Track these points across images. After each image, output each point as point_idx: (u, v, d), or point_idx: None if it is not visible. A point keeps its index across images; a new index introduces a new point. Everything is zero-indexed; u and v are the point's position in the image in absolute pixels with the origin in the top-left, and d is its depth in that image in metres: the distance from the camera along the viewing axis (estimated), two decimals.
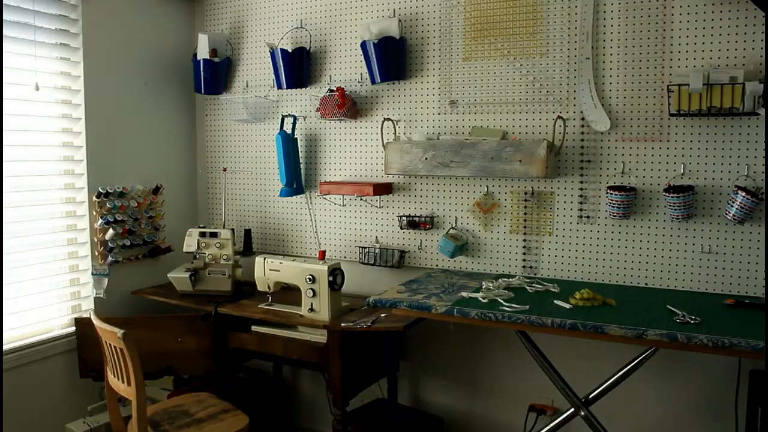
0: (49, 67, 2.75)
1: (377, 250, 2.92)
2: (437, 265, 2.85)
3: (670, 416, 2.47)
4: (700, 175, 2.35)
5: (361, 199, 2.99)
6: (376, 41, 2.74)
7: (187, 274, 2.89)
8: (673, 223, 2.40)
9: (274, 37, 3.17)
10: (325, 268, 2.52)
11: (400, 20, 2.79)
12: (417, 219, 2.85)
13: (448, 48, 2.75)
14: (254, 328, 2.71)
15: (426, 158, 2.64)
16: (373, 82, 2.82)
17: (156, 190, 3.17)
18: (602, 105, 2.47)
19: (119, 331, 2.11)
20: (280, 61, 3.00)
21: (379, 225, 2.97)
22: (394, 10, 2.84)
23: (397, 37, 2.75)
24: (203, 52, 3.18)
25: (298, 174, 3.09)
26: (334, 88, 2.90)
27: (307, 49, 3.04)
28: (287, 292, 2.78)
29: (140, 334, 2.64)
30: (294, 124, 3.07)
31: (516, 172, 2.50)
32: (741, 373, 2.27)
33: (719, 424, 2.35)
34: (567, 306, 2.16)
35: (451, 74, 2.76)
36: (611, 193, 2.42)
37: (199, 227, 3.02)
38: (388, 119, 2.86)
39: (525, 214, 2.66)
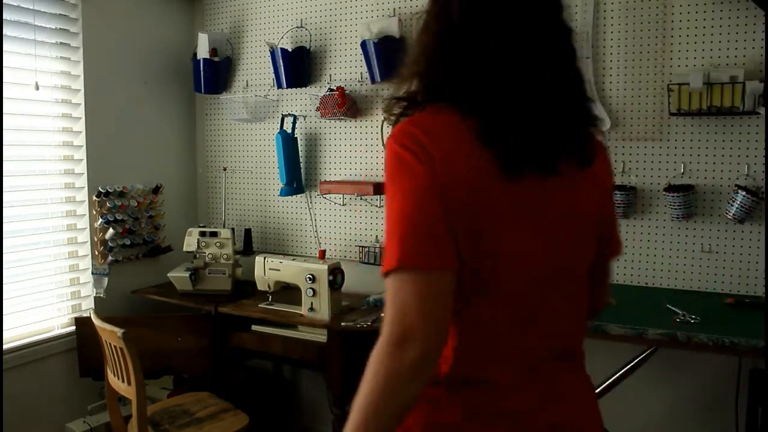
0: (49, 67, 2.75)
1: (377, 250, 2.92)
2: None
3: (669, 416, 2.47)
4: (700, 174, 2.35)
5: (361, 199, 2.99)
6: (376, 40, 2.74)
7: (187, 274, 2.89)
8: (673, 222, 2.40)
9: (274, 36, 3.16)
10: (325, 267, 2.52)
11: (400, 20, 2.79)
12: None
13: None
14: (254, 327, 2.71)
15: None
16: (373, 81, 2.82)
17: (156, 190, 3.17)
18: (602, 104, 2.47)
19: (119, 331, 2.11)
20: (280, 60, 3.00)
21: (379, 224, 2.97)
22: (394, 9, 2.84)
23: (398, 37, 2.75)
24: (203, 52, 3.18)
25: (298, 173, 3.08)
26: (334, 88, 2.90)
27: (307, 48, 3.04)
28: (287, 292, 2.77)
29: (140, 334, 2.63)
30: (294, 123, 3.07)
31: None
32: (741, 373, 2.26)
33: (719, 424, 2.35)
34: None
35: None
36: None
37: (199, 226, 3.02)
38: None
39: None
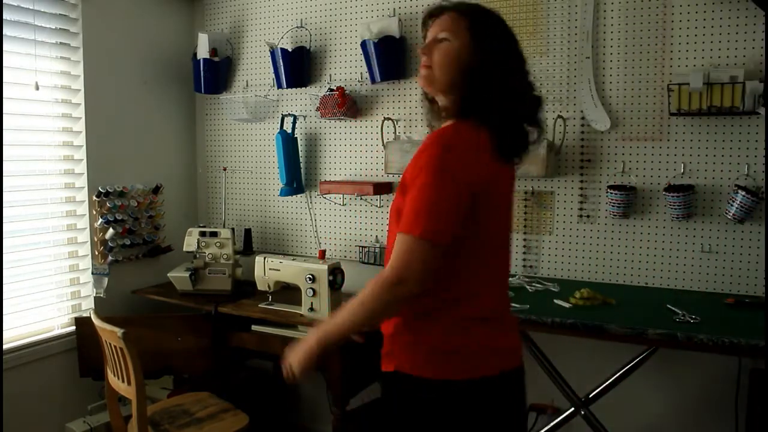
0: (49, 67, 2.75)
1: (377, 250, 2.92)
2: None
3: (669, 415, 2.47)
4: (700, 174, 2.35)
5: (361, 199, 2.99)
6: (376, 40, 2.74)
7: (187, 274, 2.89)
8: (673, 222, 2.40)
9: (274, 36, 3.16)
10: (325, 267, 2.52)
11: (400, 20, 2.79)
12: None
13: None
14: (254, 327, 2.71)
15: None
16: (373, 81, 2.82)
17: (156, 190, 3.17)
18: (602, 104, 2.47)
19: (119, 331, 2.11)
20: (280, 60, 3.00)
21: (379, 224, 2.97)
22: (394, 9, 2.84)
23: (397, 37, 2.75)
24: (203, 52, 3.18)
25: (298, 173, 3.08)
26: (334, 88, 2.90)
27: (307, 48, 3.04)
28: (287, 292, 2.77)
29: (140, 334, 2.63)
30: (294, 123, 3.07)
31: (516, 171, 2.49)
32: (741, 373, 2.27)
33: (719, 424, 2.35)
34: (567, 305, 2.16)
35: None
36: (611, 193, 2.42)
37: (199, 226, 3.02)
38: (389, 118, 2.85)
39: (525, 213, 2.66)
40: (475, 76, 1.40)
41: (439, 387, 1.38)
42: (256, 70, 3.26)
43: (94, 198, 2.88)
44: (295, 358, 1.45)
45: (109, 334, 2.18)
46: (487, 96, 1.40)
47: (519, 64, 1.45)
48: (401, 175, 1.45)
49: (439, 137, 1.38)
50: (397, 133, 2.87)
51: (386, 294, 1.32)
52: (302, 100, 3.13)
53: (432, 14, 1.49)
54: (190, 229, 3.00)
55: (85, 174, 2.88)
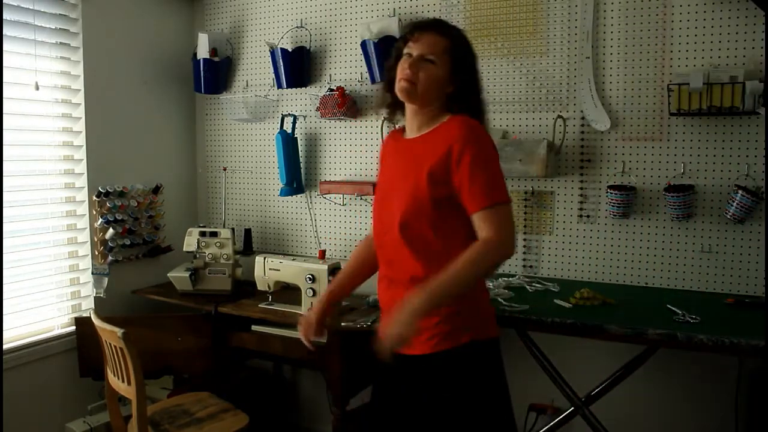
0: (49, 67, 2.75)
1: None
2: None
3: (669, 415, 2.47)
4: (700, 174, 2.35)
5: (361, 199, 2.99)
6: (376, 40, 2.74)
7: (187, 274, 2.89)
8: (673, 222, 2.40)
9: (274, 36, 3.17)
10: (325, 267, 2.52)
11: (400, 19, 2.79)
12: None
13: None
14: (254, 327, 2.71)
15: None
16: (373, 81, 2.82)
17: (156, 190, 3.17)
18: (602, 104, 2.47)
19: (119, 331, 2.11)
20: (280, 60, 3.00)
21: None
22: (394, 9, 2.84)
23: (397, 37, 2.75)
24: (203, 52, 3.18)
25: (298, 173, 3.08)
26: (334, 88, 2.90)
27: (307, 48, 3.04)
28: (287, 292, 2.77)
29: (140, 334, 2.63)
30: (294, 123, 3.07)
31: (516, 171, 2.49)
32: (741, 373, 2.27)
33: (719, 424, 2.35)
34: (567, 305, 2.16)
35: None
36: (611, 193, 2.42)
37: (199, 226, 3.02)
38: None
39: (525, 213, 2.66)
40: (451, 97, 1.70)
41: (495, 342, 1.72)
42: (256, 70, 3.26)
43: (94, 198, 2.88)
44: (400, 328, 1.49)
45: (109, 334, 2.18)
46: (460, 107, 1.72)
47: (479, 80, 1.78)
48: (409, 160, 1.68)
49: (469, 122, 1.64)
50: None
51: (495, 255, 1.56)
52: (302, 100, 3.13)
53: (420, 28, 1.70)
54: (190, 229, 3.00)
55: (85, 174, 2.88)
